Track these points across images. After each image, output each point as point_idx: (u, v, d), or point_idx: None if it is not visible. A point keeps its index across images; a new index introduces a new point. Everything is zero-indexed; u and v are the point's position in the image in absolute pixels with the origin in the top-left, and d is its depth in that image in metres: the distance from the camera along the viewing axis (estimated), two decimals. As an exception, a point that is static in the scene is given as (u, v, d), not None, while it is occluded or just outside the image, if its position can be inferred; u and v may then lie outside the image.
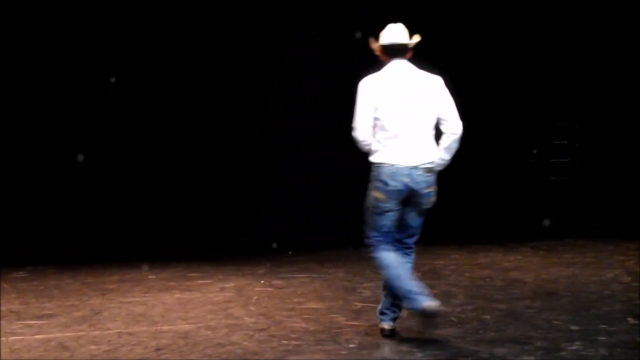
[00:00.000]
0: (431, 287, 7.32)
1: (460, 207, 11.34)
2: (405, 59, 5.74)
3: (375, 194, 5.67)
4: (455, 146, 5.70)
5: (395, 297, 5.73)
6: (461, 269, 8.69)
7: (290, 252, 9.94)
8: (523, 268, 8.65)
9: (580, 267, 8.62)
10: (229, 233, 10.82)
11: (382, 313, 5.83)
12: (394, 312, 5.80)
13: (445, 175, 5.88)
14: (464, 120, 5.74)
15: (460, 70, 10.96)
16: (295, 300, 7.16)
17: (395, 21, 5.85)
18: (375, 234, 5.74)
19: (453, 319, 6.30)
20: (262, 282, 8.10)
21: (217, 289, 7.75)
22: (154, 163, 11.02)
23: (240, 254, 9.91)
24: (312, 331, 6.01)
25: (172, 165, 11.13)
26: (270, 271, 8.70)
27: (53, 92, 10.77)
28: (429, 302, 5.52)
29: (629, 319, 6.18)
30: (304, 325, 6.21)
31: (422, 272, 8.39)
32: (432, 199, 5.73)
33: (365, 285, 7.79)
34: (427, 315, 5.55)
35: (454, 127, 5.67)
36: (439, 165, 5.72)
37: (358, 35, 9.77)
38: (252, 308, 6.86)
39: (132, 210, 10.91)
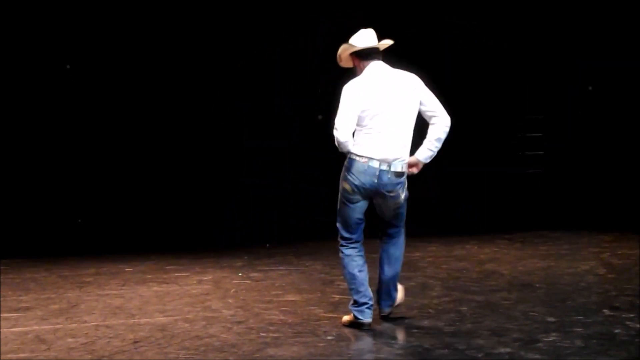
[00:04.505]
0: (408, 279, 7.38)
1: (437, 199, 11.40)
2: (380, 60, 5.85)
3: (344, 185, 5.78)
4: (444, 138, 5.81)
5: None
6: (438, 261, 8.74)
7: (267, 245, 9.95)
8: (499, 260, 8.71)
9: (555, 259, 8.69)
10: (206, 226, 10.80)
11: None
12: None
13: (423, 170, 5.91)
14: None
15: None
16: (273, 292, 7.17)
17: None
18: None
19: (430, 310, 6.34)
20: (240, 274, 8.11)
21: (195, 282, 7.75)
22: (131, 156, 10.95)
23: (218, 247, 9.91)
24: (290, 323, 6.02)
25: (150, 158, 11.07)
26: (248, 264, 8.71)
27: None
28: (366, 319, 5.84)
29: (604, 310, 6.24)
30: (282, 317, 6.22)
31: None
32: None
33: (342, 277, 7.79)
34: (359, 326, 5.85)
35: (445, 120, 5.78)
36: (426, 156, 5.82)
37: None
38: (230, 300, 6.87)
39: (109, 203, 10.85)
